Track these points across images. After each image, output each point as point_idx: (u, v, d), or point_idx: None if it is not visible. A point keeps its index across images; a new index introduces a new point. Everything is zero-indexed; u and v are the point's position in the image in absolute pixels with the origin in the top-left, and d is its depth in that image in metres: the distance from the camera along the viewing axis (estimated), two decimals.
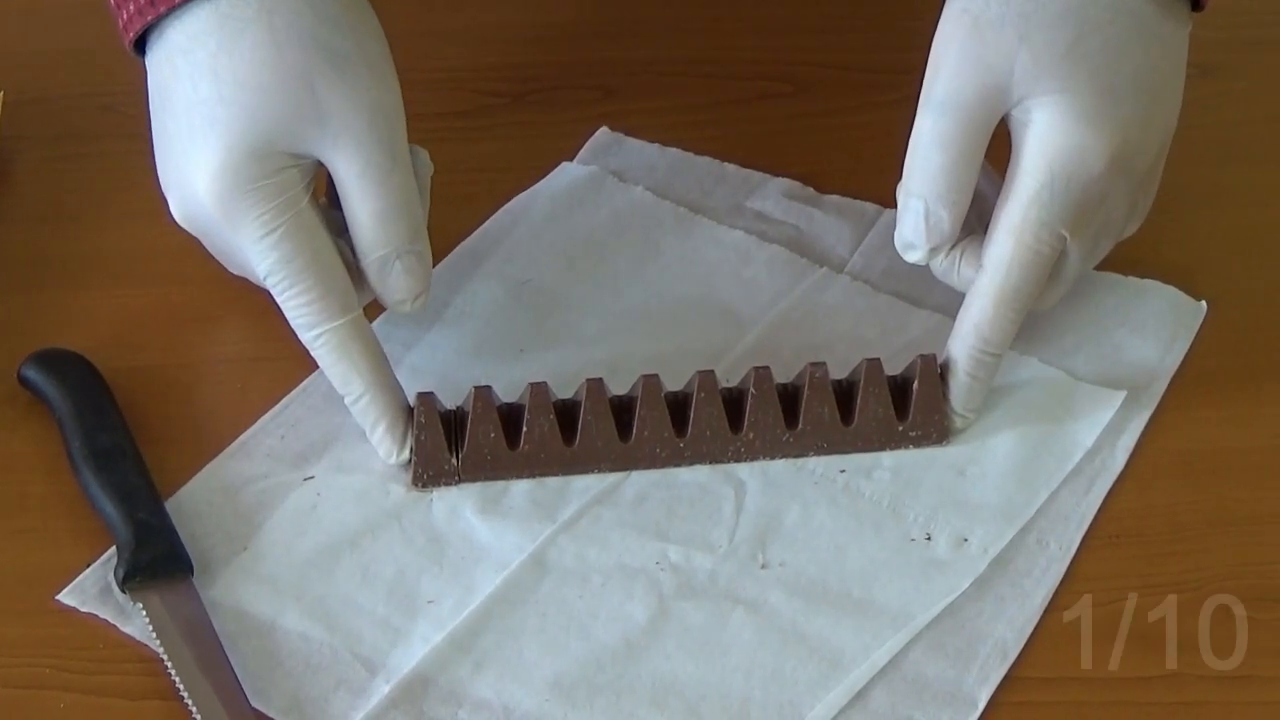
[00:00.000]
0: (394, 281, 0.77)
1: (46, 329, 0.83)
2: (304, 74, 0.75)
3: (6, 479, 0.78)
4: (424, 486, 0.77)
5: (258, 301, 0.80)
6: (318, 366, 0.79)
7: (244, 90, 0.75)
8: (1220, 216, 0.89)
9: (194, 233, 0.79)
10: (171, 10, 0.76)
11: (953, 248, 0.79)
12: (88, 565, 0.74)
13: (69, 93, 0.96)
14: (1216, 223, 0.89)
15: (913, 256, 0.79)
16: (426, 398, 0.77)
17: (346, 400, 0.77)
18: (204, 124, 0.76)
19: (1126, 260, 0.84)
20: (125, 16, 0.78)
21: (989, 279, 0.77)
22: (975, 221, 0.79)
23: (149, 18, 0.77)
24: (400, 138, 0.78)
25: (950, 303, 0.82)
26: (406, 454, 0.77)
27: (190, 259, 0.83)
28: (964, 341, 0.78)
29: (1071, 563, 0.74)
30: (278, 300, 0.77)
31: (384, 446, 0.77)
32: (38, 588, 0.73)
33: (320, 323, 0.76)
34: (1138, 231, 0.85)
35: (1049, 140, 0.76)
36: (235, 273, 0.81)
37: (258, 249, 0.76)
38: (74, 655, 0.71)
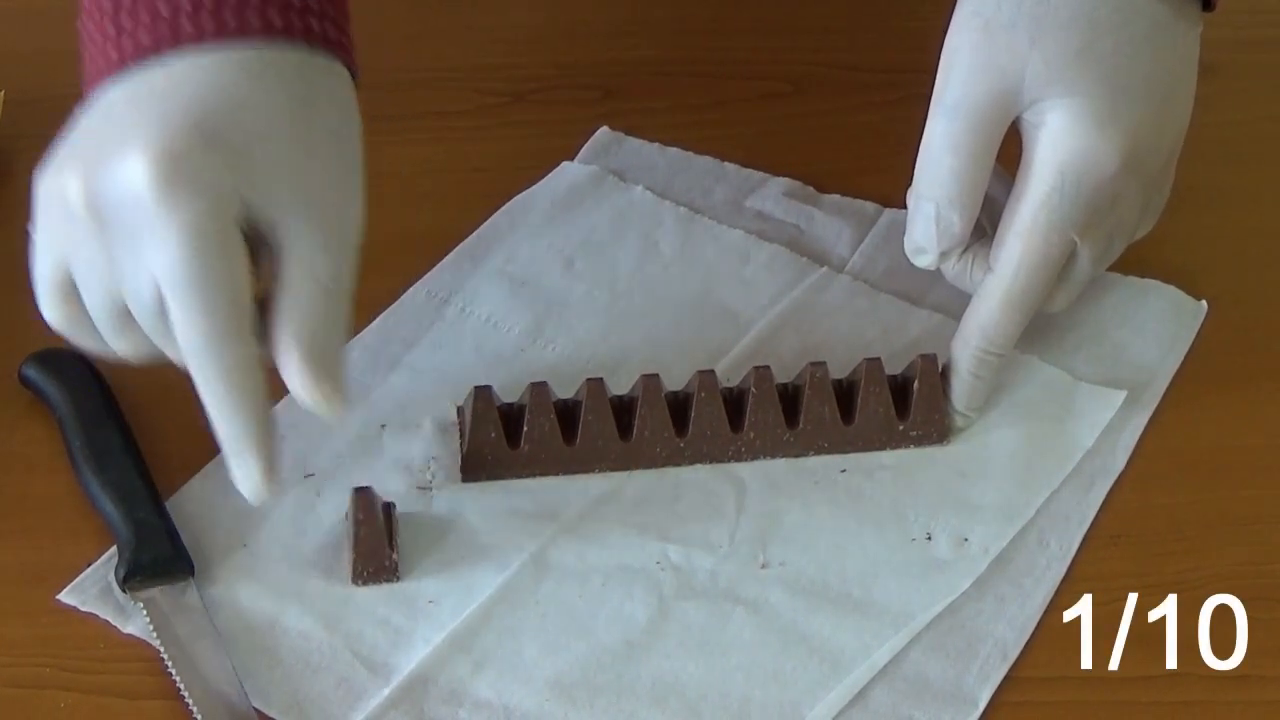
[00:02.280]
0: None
1: (46, 329, 0.79)
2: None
3: (6, 479, 0.78)
4: (364, 583, 0.73)
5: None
6: None
7: (223, 107, 0.67)
8: (1220, 216, 0.89)
9: (89, 217, 0.68)
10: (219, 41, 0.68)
11: (965, 251, 0.79)
12: (88, 565, 0.74)
13: (69, 93, 0.90)
14: (1217, 223, 0.89)
15: (923, 261, 0.78)
16: (364, 492, 0.74)
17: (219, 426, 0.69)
18: (157, 103, 0.67)
19: (1127, 260, 0.83)
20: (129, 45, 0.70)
21: (997, 281, 0.77)
22: (987, 225, 0.79)
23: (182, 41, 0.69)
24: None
25: (950, 302, 0.82)
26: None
27: None
28: (968, 342, 0.78)
29: (1072, 563, 0.74)
30: (177, 306, 0.67)
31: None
32: (38, 588, 0.73)
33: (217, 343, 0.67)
34: None
35: (1060, 143, 0.75)
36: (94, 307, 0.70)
37: (183, 237, 0.66)
38: (74, 655, 0.71)
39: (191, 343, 0.67)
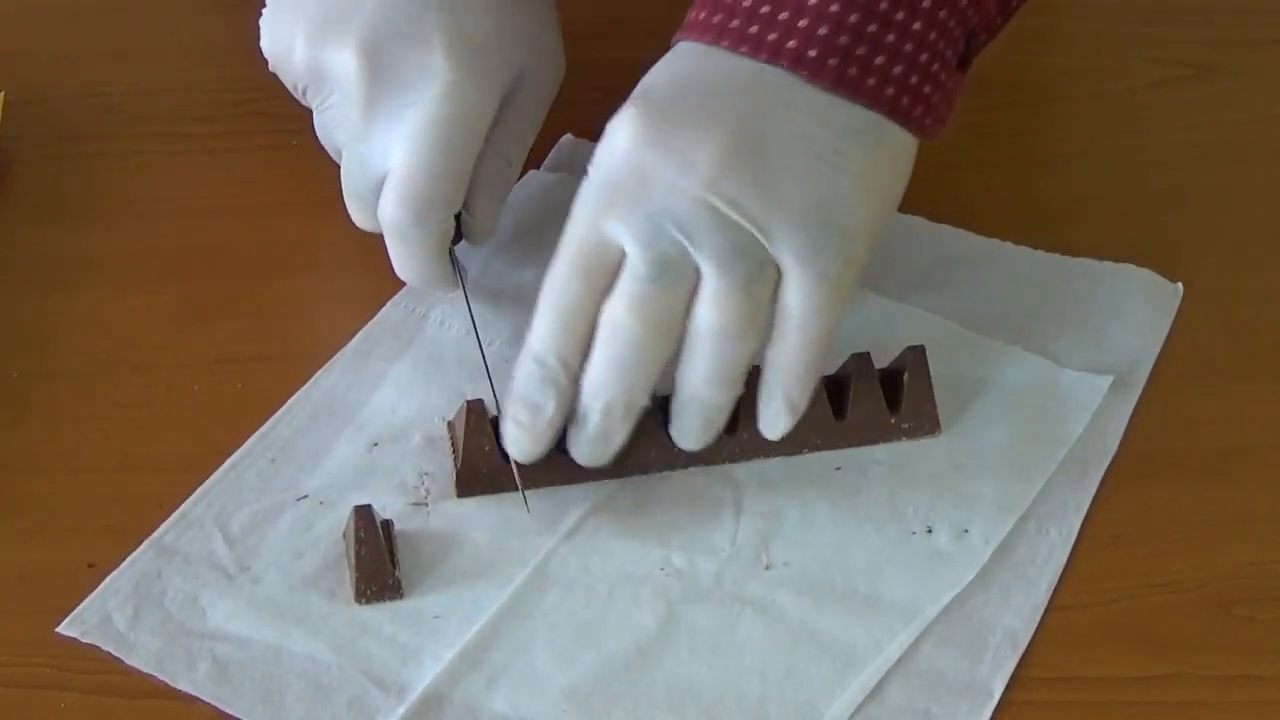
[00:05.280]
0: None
1: (46, 329, 0.81)
2: None
3: (6, 479, 0.75)
4: (368, 602, 0.71)
5: (258, 301, 0.78)
6: (315, 372, 0.78)
7: None
8: (1220, 216, 0.87)
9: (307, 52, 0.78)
10: None
11: None
12: (88, 566, 0.71)
13: (69, 93, 0.93)
14: (1216, 223, 0.87)
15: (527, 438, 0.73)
16: (363, 510, 0.72)
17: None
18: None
19: (1123, 260, 0.83)
20: None
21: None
22: None
23: None
24: None
25: (936, 300, 0.81)
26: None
27: (190, 259, 0.81)
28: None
29: (1072, 563, 0.72)
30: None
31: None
32: (37, 588, 0.71)
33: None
34: (1133, 230, 0.84)
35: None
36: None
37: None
38: (74, 655, 0.69)
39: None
